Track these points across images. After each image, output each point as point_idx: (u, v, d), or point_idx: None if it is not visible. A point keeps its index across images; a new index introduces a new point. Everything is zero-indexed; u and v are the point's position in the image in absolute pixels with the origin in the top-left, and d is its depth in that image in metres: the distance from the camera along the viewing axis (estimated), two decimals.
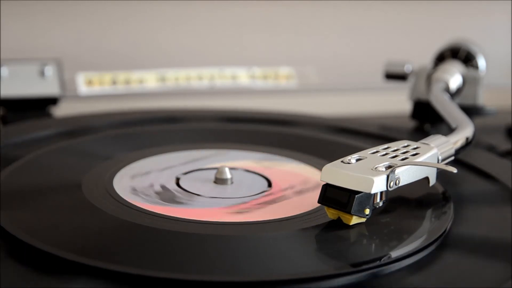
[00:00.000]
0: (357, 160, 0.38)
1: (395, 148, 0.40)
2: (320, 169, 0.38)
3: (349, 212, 0.36)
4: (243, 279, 0.32)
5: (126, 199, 0.40)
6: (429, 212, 0.41)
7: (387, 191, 0.37)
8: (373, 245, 0.36)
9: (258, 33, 0.86)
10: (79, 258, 0.32)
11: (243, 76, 0.79)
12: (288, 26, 0.87)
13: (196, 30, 0.83)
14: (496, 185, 0.46)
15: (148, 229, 0.36)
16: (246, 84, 0.79)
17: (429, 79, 0.62)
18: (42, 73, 0.65)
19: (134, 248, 0.34)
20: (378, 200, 0.37)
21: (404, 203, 0.41)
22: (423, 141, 0.42)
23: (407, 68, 0.65)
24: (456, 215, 0.40)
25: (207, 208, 0.40)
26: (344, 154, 0.39)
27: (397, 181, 0.37)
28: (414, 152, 0.40)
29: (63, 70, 0.67)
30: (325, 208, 0.37)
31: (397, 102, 0.71)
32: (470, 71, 0.63)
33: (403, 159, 0.38)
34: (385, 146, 0.41)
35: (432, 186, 0.41)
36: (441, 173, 0.42)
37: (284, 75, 0.81)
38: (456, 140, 0.44)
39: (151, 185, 0.43)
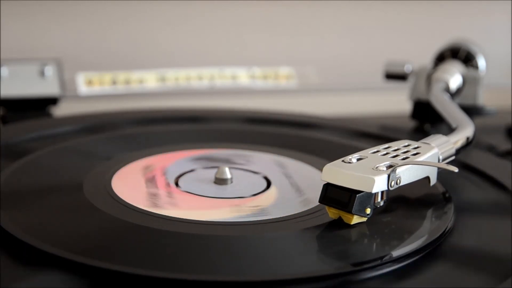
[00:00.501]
0: (358, 159, 0.38)
1: (396, 148, 0.40)
2: (321, 169, 0.38)
3: (350, 211, 0.36)
4: (243, 279, 0.31)
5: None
6: (429, 212, 0.41)
7: (388, 190, 0.37)
8: (374, 244, 0.36)
9: (258, 33, 0.86)
10: (79, 258, 0.32)
11: (243, 76, 0.79)
12: (288, 26, 0.87)
13: (196, 30, 0.83)
14: (496, 185, 0.46)
15: (148, 229, 0.36)
16: (246, 84, 0.79)
17: (429, 79, 0.62)
18: (42, 73, 0.65)
19: (134, 248, 0.34)
20: (379, 199, 0.37)
21: (405, 203, 0.41)
22: (423, 140, 0.42)
23: (407, 68, 0.65)
24: (456, 214, 0.40)
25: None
26: (344, 154, 0.39)
27: (398, 181, 0.37)
28: (415, 152, 0.40)
29: (63, 70, 0.67)
30: (326, 207, 0.37)
31: (397, 102, 0.71)
32: (470, 71, 0.63)
33: (404, 159, 0.38)
34: (386, 145, 0.41)
35: (433, 186, 0.41)
36: (441, 173, 0.42)
37: (284, 75, 0.81)
38: (457, 139, 0.44)
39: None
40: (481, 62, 0.64)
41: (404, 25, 0.92)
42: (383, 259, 0.34)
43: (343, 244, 0.36)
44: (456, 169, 0.37)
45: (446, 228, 0.38)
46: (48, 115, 0.65)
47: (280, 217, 0.39)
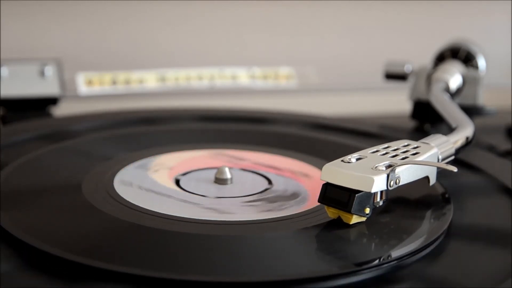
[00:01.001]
0: (357, 159, 0.38)
1: (395, 148, 0.40)
2: (320, 169, 0.38)
3: (349, 211, 0.36)
4: (243, 279, 0.31)
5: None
6: (429, 212, 0.41)
7: (387, 190, 0.37)
8: (373, 244, 0.36)
9: (258, 33, 0.86)
10: (79, 258, 0.32)
11: (243, 76, 0.79)
12: (288, 26, 0.87)
13: (196, 30, 0.83)
14: (496, 185, 0.46)
15: (148, 230, 0.36)
16: (246, 84, 0.79)
17: (429, 79, 0.62)
18: (42, 73, 0.65)
19: (134, 248, 0.34)
20: (378, 199, 0.37)
21: (404, 203, 0.41)
22: (423, 140, 0.42)
23: (407, 68, 0.65)
24: (455, 215, 0.40)
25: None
26: (344, 154, 0.39)
27: (397, 180, 0.37)
28: (414, 152, 0.40)
29: (63, 70, 0.67)
30: (325, 207, 0.37)
31: (397, 102, 0.71)
32: (470, 71, 0.63)
33: (403, 158, 0.38)
34: (385, 145, 0.41)
35: (432, 186, 0.41)
36: (440, 173, 0.42)
37: (284, 75, 0.81)
38: (456, 139, 0.44)
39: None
40: (481, 62, 0.64)
41: (404, 25, 0.92)
42: (382, 259, 0.34)
43: (342, 244, 0.36)
44: (455, 169, 0.37)
45: (445, 228, 0.38)
46: (48, 115, 0.65)
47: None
